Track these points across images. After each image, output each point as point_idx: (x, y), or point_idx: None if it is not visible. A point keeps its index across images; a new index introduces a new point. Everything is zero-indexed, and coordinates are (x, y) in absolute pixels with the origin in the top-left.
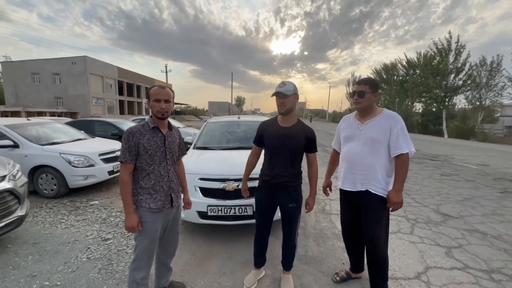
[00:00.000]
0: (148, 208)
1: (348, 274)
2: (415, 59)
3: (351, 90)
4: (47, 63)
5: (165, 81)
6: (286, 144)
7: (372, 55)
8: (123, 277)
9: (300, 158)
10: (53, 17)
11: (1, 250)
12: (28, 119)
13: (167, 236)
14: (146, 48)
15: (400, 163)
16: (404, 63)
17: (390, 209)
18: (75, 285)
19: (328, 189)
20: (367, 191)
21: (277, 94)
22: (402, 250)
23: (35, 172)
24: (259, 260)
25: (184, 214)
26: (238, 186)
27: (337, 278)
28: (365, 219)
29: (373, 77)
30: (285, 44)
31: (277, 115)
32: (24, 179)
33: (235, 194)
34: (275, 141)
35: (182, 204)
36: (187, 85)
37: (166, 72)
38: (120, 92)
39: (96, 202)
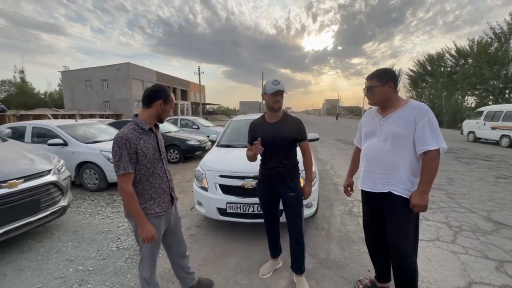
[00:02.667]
0: (155, 214)
1: (372, 283)
2: (467, 47)
3: None
4: (96, 70)
5: (198, 82)
6: (276, 138)
7: (415, 45)
8: None
9: (293, 149)
10: (102, 29)
11: (48, 236)
12: (76, 121)
13: (172, 240)
14: (182, 52)
15: (427, 161)
16: (453, 52)
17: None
18: (104, 272)
19: (349, 189)
20: (389, 193)
21: (278, 92)
22: (440, 261)
23: (81, 167)
24: (273, 251)
25: (205, 211)
26: None
27: (360, 286)
28: (388, 224)
29: (415, 69)
30: (317, 40)
31: (265, 112)
32: (67, 173)
33: (254, 192)
34: (266, 138)
35: None
36: (219, 86)
37: (199, 74)
38: None
39: None
